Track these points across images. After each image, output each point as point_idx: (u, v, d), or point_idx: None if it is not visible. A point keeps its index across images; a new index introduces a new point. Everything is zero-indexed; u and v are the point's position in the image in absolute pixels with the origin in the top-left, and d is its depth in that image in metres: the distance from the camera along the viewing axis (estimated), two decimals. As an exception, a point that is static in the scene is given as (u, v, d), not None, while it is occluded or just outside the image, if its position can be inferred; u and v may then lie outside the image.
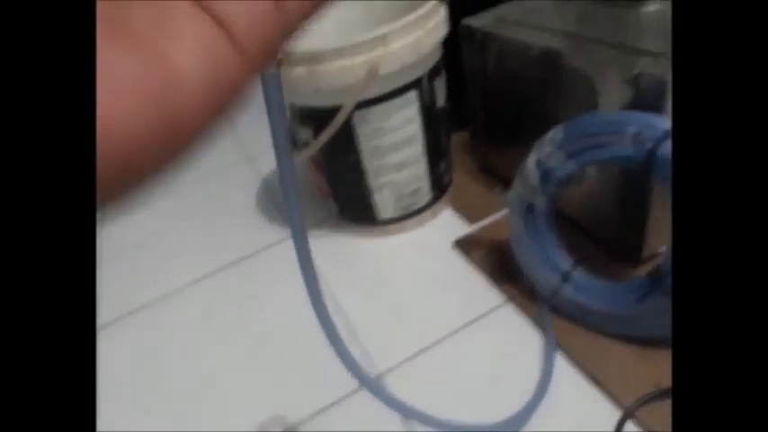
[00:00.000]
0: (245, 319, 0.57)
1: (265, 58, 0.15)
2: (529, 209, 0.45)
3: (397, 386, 0.46)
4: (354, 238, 0.64)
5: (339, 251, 0.63)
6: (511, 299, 0.50)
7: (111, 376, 0.54)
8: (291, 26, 0.15)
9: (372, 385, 0.40)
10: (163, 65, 0.13)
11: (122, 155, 0.13)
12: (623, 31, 0.46)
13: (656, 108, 0.39)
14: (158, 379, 0.53)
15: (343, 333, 0.50)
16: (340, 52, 0.49)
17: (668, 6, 0.47)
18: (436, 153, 0.60)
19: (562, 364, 0.44)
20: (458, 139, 0.69)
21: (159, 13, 0.14)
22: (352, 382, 0.46)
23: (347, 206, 0.63)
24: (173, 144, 0.14)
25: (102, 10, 0.13)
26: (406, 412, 0.42)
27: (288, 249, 0.64)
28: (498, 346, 0.47)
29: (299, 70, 0.50)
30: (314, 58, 0.49)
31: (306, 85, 0.50)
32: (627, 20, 0.47)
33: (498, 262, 0.54)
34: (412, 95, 0.54)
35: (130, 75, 0.13)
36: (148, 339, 0.58)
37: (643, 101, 0.40)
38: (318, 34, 0.61)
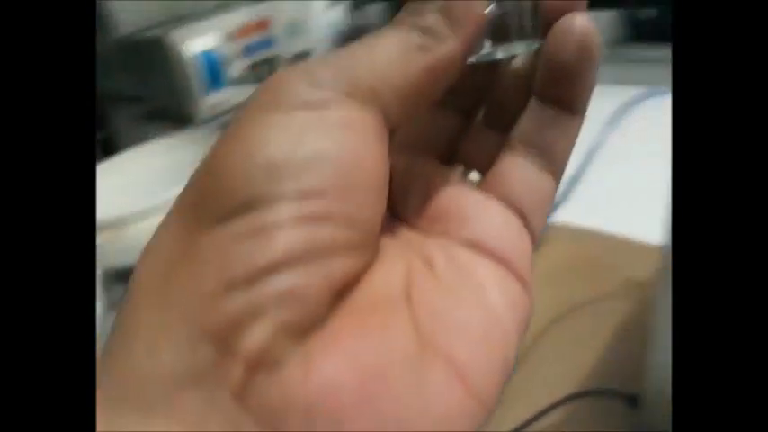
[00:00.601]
0: None
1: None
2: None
3: None
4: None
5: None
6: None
7: None
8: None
9: None
10: (491, 312, 0.15)
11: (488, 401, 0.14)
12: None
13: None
14: None
15: None
16: (145, 214, 0.51)
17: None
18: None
19: None
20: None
21: (462, 270, 0.15)
22: None
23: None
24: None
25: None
26: None
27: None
28: None
29: (106, 235, 0.51)
30: (120, 222, 0.51)
31: (116, 249, 0.51)
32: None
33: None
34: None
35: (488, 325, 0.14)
36: None
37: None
38: (121, 194, 0.62)
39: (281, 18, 0.96)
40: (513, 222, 0.16)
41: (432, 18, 0.14)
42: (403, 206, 0.17)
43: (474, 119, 0.18)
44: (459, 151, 0.18)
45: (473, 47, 0.15)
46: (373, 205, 0.14)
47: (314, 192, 0.13)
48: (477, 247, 0.15)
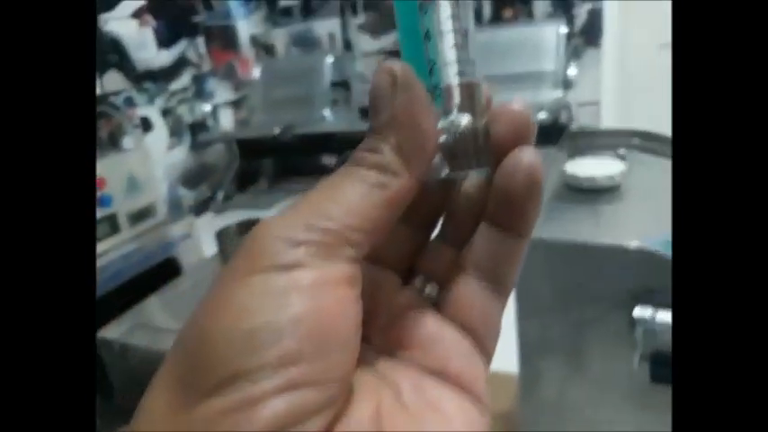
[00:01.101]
0: None
1: None
2: None
3: None
4: None
5: None
6: None
7: None
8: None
9: None
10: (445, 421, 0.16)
11: None
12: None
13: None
14: None
15: None
16: None
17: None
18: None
19: None
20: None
21: (429, 401, 0.16)
22: None
23: None
24: None
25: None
26: None
27: None
28: None
29: None
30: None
31: None
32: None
33: None
34: None
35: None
36: None
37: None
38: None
39: (119, 174, 0.93)
40: (469, 348, 0.17)
41: (388, 156, 0.16)
42: (368, 327, 0.17)
43: (431, 232, 0.19)
44: (419, 264, 0.19)
45: (426, 176, 0.16)
46: (346, 360, 0.15)
47: (292, 357, 0.13)
48: (440, 375, 0.16)
